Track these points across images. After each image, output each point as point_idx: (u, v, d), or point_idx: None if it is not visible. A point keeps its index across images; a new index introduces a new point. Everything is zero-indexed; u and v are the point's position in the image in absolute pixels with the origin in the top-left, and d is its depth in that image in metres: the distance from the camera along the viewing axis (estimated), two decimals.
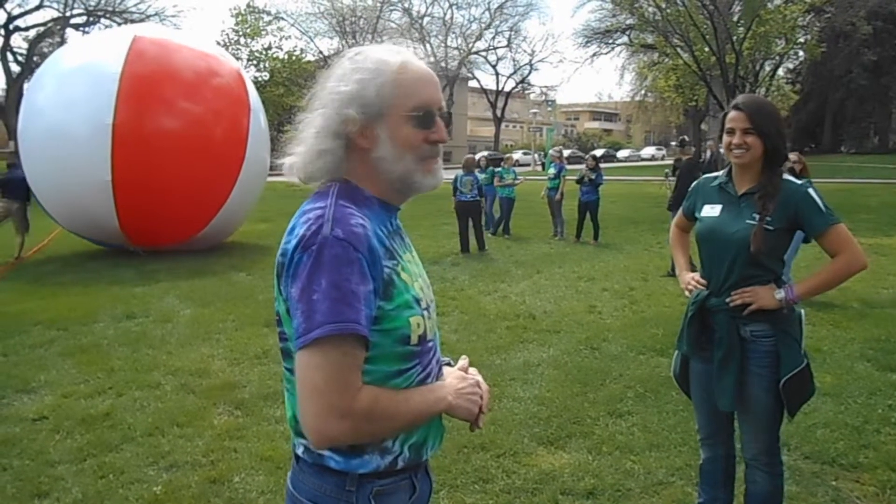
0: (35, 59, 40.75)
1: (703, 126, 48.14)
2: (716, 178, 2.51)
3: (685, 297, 2.57)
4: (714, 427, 2.59)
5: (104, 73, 9.40)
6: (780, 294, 2.28)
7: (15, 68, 39.53)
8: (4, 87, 40.08)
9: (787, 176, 2.32)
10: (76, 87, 9.52)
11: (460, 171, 11.12)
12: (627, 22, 38.03)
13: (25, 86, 40.21)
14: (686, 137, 11.24)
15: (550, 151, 15.00)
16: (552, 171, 13.07)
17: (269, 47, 41.44)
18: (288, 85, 40.34)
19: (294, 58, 41.12)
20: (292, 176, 1.34)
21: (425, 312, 1.30)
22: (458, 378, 1.37)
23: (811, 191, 2.28)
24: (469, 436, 3.80)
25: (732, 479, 2.65)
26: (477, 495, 3.20)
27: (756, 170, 2.35)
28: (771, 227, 2.27)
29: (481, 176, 12.29)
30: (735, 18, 31.60)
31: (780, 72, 45.18)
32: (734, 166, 2.41)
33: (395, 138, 1.28)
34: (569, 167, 13.68)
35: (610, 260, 10.00)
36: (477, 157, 16.13)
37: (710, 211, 2.45)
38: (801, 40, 36.46)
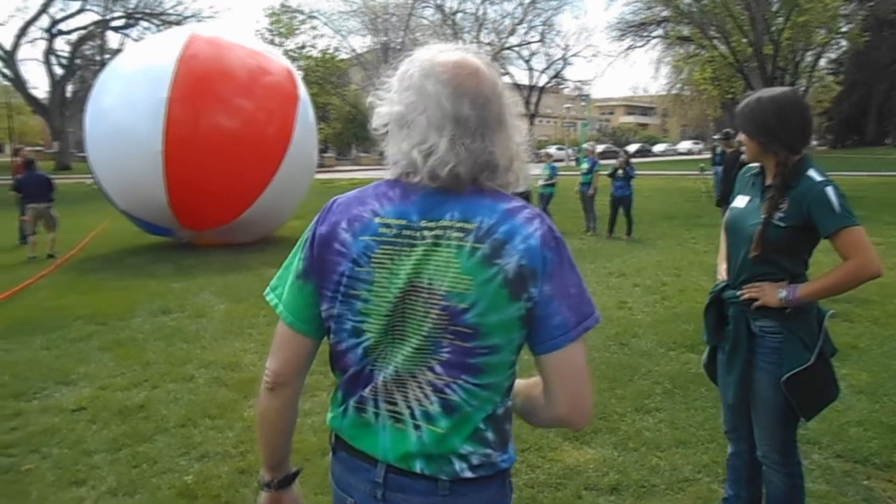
0: (77, 61, 41.88)
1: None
2: (754, 168, 2.49)
3: None
4: (736, 421, 2.57)
5: (164, 57, 10.16)
6: (783, 293, 2.24)
7: (58, 71, 40.65)
8: (49, 89, 41.21)
9: (810, 172, 2.25)
10: (140, 70, 10.40)
11: None
12: (662, 14, 37.40)
13: (68, 87, 41.47)
14: (730, 130, 10.97)
15: (584, 146, 14.88)
16: (585, 165, 12.97)
17: (303, 46, 41.92)
18: (321, 83, 40.75)
19: (327, 56, 41.47)
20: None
21: None
22: None
23: (829, 189, 2.19)
24: None
25: (758, 476, 2.61)
26: None
27: (771, 165, 2.32)
28: (783, 224, 2.23)
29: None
30: (773, 8, 30.87)
31: (822, 62, 43.98)
32: None
33: None
34: (602, 162, 13.58)
35: (642, 255, 9.89)
36: None
37: (740, 202, 2.45)
38: (844, 29, 35.43)
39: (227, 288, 7.97)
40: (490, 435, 1.26)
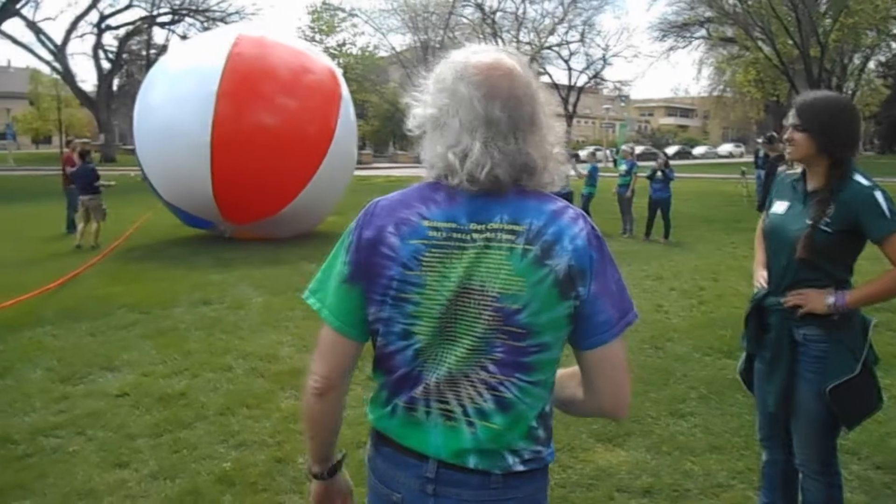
0: (124, 55, 42.93)
1: (784, 122, 46.19)
2: (794, 174, 2.45)
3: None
4: (772, 429, 2.54)
5: (213, 54, 10.48)
6: (830, 300, 2.20)
7: (106, 65, 41.73)
8: (96, 82, 42.30)
9: (857, 177, 2.22)
10: (190, 67, 10.68)
11: None
12: (706, 15, 36.86)
13: (115, 81, 42.54)
14: (774, 133, 10.78)
15: (622, 147, 14.81)
16: (623, 167, 12.88)
17: (343, 43, 42.28)
18: (360, 81, 41.08)
19: (367, 54, 41.79)
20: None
21: None
22: None
23: (878, 193, 2.16)
24: None
25: (793, 484, 2.58)
26: None
27: (821, 168, 2.27)
28: (829, 230, 2.19)
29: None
30: (821, 9, 30.16)
31: (871, 65, 42.79)
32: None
33: None
34: (640, 164, 13.46)
35: (680, 259, 9.78)
36: None
37: (778, 207, 2.41)
38: (895, 31, 34.44)
39: (264, 281, 8.11)
40: (540, 432, 1.30)
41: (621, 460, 3.50)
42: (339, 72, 12.24)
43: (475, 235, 1.22)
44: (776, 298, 2.35)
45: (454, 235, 1.23)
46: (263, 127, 10.18)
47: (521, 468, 1.27)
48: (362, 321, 1.30)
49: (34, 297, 6.87)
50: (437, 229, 1.23)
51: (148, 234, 11.86)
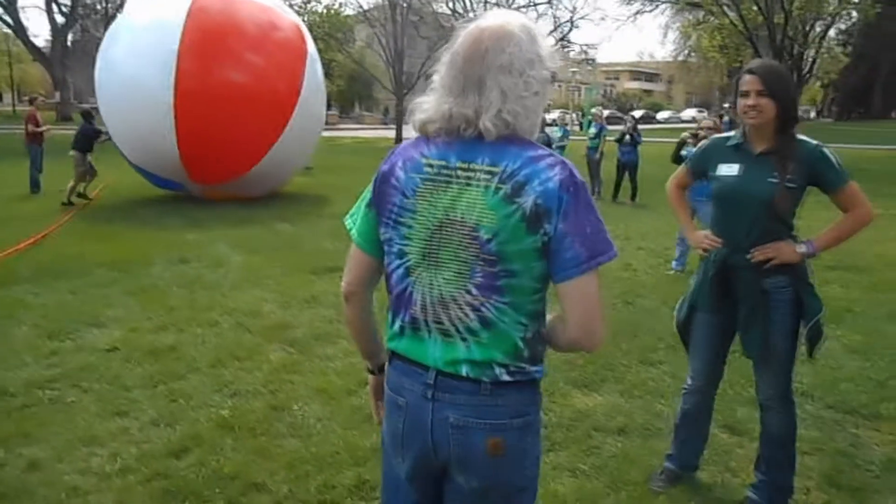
0: (79, 9, 41.31)
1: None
2: (729, 138, 2.63)
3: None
4: (708, 376, 2.83)
5: (173, 9, 10.26)
6: (802, 248, 2.46)
7: (60, 19, 40.13)
8: (50, 37, 40.72)
9: (802, 137, 2.48)
10: (150, 22, 10.46)
11: None
12: None
13: (69, 36, 40.97)
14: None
15: (593, 111, 15.03)
16: (592, 130, 13.12)
17: (308, 1, 41.24)
18: (326, 39, 40.29)
19: (333, 12, 40.89)
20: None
21: None
22: None
23: (826, 150, 2.45)
24: None
25: (709, 419, 2.97)
26: None
27: (770, 131, 2.47)
28: (794, 185, 2.43)
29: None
30: None
31: (832, 33, 43.43)
32: (749, 127, 2.52)
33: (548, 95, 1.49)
34: (609, 128, 13.70)
35: (647, 220, 10.08)
36: None
37: (728, 170, 2.56)
38: (856, 0, 34.97)
39: (240, 240, 8.16)
40: (525, 353, 1.48)
41: (597, 403, 3.75)
42: (305, 28, 12.10)
43: (460, 173, 1.42)
44: (741, 256, 2.52)
45: (443, 172, 1.43)
46: (230, 84, 10.11)
47: (507, 378, 1.46)
48: (377, 240, 1.55)
49: (8, 256, 6.84)
50: (430, 165, 1.45)
51: (115, 193, 11.75)
